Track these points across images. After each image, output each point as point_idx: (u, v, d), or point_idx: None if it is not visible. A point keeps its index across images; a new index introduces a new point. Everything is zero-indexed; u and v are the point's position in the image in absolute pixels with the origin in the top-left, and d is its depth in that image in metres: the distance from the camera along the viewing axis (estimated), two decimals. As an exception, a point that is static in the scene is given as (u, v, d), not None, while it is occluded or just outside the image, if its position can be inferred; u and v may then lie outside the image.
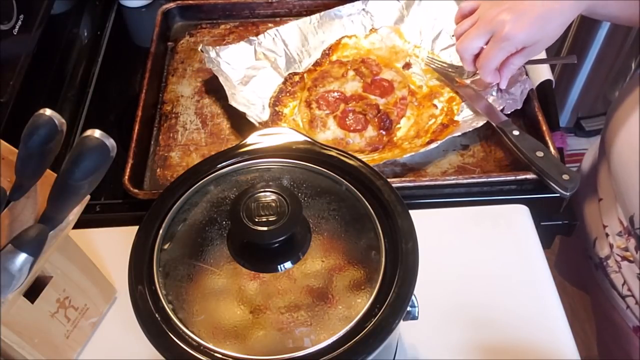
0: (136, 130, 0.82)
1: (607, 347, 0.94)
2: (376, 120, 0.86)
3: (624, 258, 0.78)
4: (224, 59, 0.91)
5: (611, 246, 0.79)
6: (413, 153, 0.80)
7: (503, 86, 0.84)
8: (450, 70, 0.91)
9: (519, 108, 0.85)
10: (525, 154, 0.78)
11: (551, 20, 0.73)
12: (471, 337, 0.67)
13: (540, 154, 0.77)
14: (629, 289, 0.78)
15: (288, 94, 0.90)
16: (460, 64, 0.91)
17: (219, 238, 0.51)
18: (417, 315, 0.54)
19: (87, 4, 1.07)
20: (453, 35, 0.94)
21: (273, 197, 0.49)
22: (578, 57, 0.92)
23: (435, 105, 0.88)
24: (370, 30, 0.98)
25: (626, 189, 0.73)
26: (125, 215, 0.77)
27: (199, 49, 0.92)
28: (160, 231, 0.51)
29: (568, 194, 0.75)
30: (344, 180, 0.54)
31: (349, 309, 0.47)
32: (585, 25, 1.68)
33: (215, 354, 0.45)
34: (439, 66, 0.92)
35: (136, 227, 0.52)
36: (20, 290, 0.55)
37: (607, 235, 0.80)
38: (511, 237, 0.75)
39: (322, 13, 0.97)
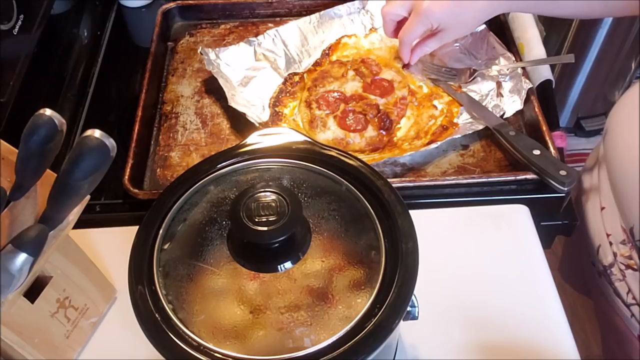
0: (136, 130, 0.82)
1: (612, 351, 0.93)
2: (376, 120, 0.86)
3: (628, 266, 0.77)
4: (223, 60, 0.91)
5: (615, 254, 0.79)
6: (413, 152, 0.81)
7: (412, 62, 0.90)
8: (447, 74, 0.91)
9: (519, 109, 0.85)
10: (523, 153, 0.78)
11: (465, 8, 0.81)
12: (471, 337, 0.67)
13: (537, 152, 0.77)
14: (634, 298, 0.78)
15: (288, 94, 0.90)
16: (458, 67, 0.91)
17: (219, 238, 0.51)
18: (417, 315, 0.54)
19: (87, 4, 1.07)
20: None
21: (273, 197, 0.49)
22: (578, 57, 0.93)
23: (435, 106, 0.88)
24: (370, 29, 0.98)
25: (626, 201, 0.73)
26: (125, 215, 0.77)
27: (199, 51, 0.92)
28: (160, 231, 0.51)
29: (566, 189, 0.75)
30: (344, 180, 0.54)
31: (349, 309, 0.47)
32: (585, 25, 1.68)
33: (215, 354, 0.45)
34: (436, 71, 0.92)
35: (136, 227, 0.52)
36: (20, 290, 0.55)
37: (610, 243, 0.79)
38: (511, 237, 0.75)
39: (322, 12, 0.97)
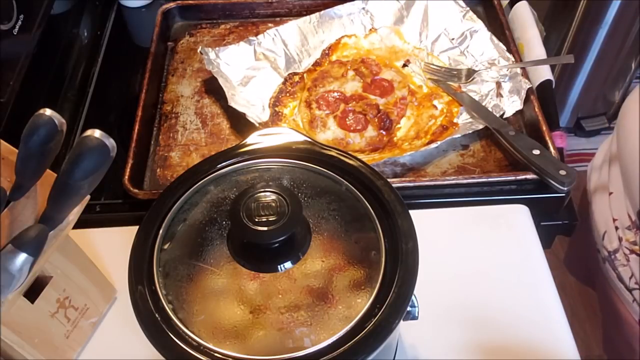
0: (136, 130, 0.82)
1: (612, 341, 0.94)
2: (376, 120, 0.86)
3: (632, 251, 0.78)
4: (223, 60, 0.91)
5: (620, 239, 0.80)
6: (413, 152, 0.81)
7: None
8: (447, 74, 0.91)
9: (519, 109, 0.85)
10: (522, 153, 0.78)
11: None
12: (471, 337, 0.67)
13: (536, 152, 0.77)
14: (637, 282, 0.79)
15: (288, 94, 0.90)
16: (458, 67, 0.92)
17: (219, 238, 0.51)
18: (417, 315, 0.54)
19: (87, 4, 1.07)
20: (453, 38, 0.95)
21: (273, 197, 0.49)
22: (578, 57, 0.93)
23: (435, 106, 0.88)
24: (370, 30, 0.98)
25: (635, 184, 0.74)
26: (125, 215, 0.77)
27: (199, 51, 0.92)
28: (160, 231, 0.51)
29: (566, 189, 0.76)
30: (344, 180, 0.54)
31: (349, 309, 0.47)
32: (585, 25, 1.68)
33: (215, 354, 0.45)
34: (436, 71, 0.92)
35: (136, 227, 0.52)
36: (20, 290, 0.55)
37: (616, 228, 0.80)
38: (511, 237, 0.75)
39: (322, 12, 0.97)
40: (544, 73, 0.90)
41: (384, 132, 0.85)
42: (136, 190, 0.77)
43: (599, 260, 0.87)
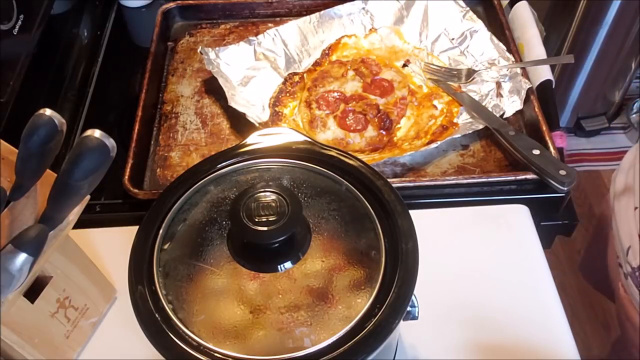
0: (136, 130, 0.82)
1: (630, 352, 0.92)
2: (376, 120, 0.86)
3: None
4: (223, 60, 0.91)
5: None
6: (413, 152, 0.81)
7: None
8: (447, 74, 0.91)
9: (519, 109, 0.86)
10: (522, 152, 0.78)
11: None
12: (471, 337, 0.67)
13: (536, 152, 0.77)
14: None
15: (288, 94, 0.90)
16: (458, 67, 0.91)
17: (219, 238, 0.51)
18: (417, 315, 0.54)
19: (87, 4, 1.07)
20: (453, 38, 0.95)
21: (273, 197, 0.49)
22: (578, 57, 0.92)
23: (435, 106, 0.88)
24: (370, 30, 0.98)
25: None
26: (125, 215, 0.77)
27: (199, 51, 0.92)
28: (160, 231, 0.51)
29: (566, 189, 0.76)
30: (344, 180, 0.54)
31: (349, 309, 0.47)
32: (585, 25, 1.68)
33: (215, 354, 0.45)
34: (436, 71, 0.92)
35: (136, 227, 0.52)
36: (20, 290, 0.55)
37: None
38: (511, 237, 0.75)
39: (322, 12, 0.97)
40: (544, 73, 0.90)
41: (384, 132, 0.85)
42: (136, 190, 0.77)
43: (621, 274, 0.85)
